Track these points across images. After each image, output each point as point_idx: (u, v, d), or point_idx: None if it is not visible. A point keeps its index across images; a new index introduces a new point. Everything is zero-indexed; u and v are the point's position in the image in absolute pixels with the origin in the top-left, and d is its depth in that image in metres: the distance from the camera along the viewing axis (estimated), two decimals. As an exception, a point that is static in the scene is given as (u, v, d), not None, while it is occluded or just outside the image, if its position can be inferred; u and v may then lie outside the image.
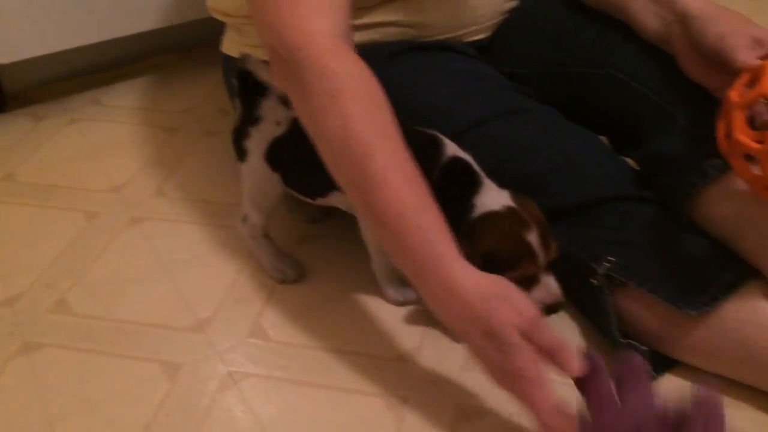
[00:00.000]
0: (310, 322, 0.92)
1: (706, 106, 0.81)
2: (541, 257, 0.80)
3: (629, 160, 0.94)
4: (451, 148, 0.85)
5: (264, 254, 0.98)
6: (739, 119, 0.72)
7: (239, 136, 0.93)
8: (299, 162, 0.87)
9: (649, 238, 0.82)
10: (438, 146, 0.84)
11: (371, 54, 0.99)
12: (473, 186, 0.82)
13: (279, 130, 0.89)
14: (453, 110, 0.93)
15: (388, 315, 0.92)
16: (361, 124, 0.74)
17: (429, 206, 0.73)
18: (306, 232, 1.07)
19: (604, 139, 0.97)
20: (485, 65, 1.02)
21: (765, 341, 0.75)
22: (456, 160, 0.84)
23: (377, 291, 0.94)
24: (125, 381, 0.85)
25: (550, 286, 0.81)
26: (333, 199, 0.90)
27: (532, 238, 0.79)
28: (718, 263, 0.80)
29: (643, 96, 0.89)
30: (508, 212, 0.80)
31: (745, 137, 0.71)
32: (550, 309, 0.81)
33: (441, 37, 1.02)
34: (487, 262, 0.76)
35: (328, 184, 0.82)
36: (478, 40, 1.06)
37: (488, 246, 0.79)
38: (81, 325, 0.92)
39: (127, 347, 0.89)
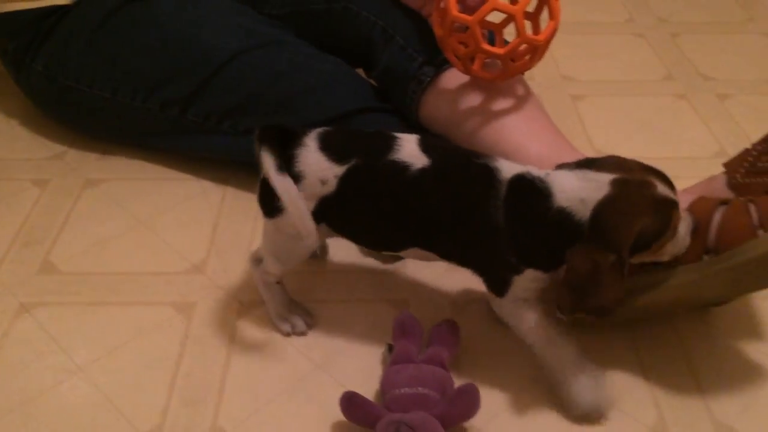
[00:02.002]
0: (101, 253, 0.98)
1: (417, 25, 0.99)
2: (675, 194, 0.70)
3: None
4: (505, 170, 0.73)
5: (272, 302, 0.87)
6: (452, 1, 0.86)
7: (269, 191, 0.74)
8: (360, 221, 0.78)
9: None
10: (492, 175, 0.72)
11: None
12: (543, 194, 0.70)
13: (326, 190, 0.75)
14: (216, 43, 1.03)
15: (175, 236, 1.00)
16: None
17: None
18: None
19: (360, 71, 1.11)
20: (242, 5, 1.11)
21: None
22: (516, 180, 0.72)
23: (166, 216, 1.02)
24: None
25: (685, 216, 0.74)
26: (412, 254, 0.79)
27: (661, 188, 0.69)
28: None
29: (371, 23, 1.04)
30: (622, 184, 0.68)
31: (458, 13, 0.86)
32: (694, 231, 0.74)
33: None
34: (638, 244, 0.68)
35: (406, 239, 0.77)
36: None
37: (635, 228, 0.67)
38: None
39: None
